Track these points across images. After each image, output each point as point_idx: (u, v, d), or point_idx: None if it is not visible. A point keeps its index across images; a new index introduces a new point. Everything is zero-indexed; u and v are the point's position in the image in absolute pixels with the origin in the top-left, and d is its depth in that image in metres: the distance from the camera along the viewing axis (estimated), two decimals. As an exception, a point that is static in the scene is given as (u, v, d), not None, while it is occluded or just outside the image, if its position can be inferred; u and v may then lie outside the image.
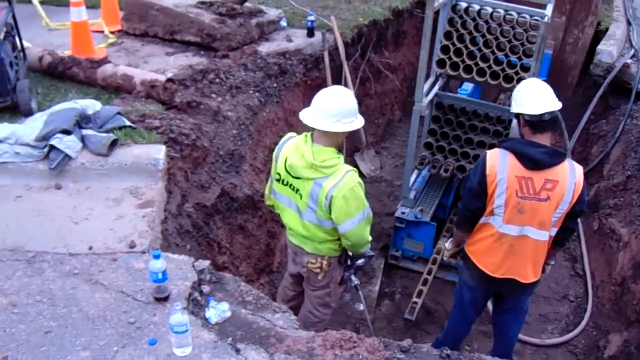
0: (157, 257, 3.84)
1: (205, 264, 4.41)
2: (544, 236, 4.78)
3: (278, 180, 4.74)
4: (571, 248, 8.06)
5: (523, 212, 4.67)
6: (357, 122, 4.51)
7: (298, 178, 4.53)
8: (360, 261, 5.12)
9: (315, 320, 5.21)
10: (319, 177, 4.43)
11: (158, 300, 4.03)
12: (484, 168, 4.69)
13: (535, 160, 4.54)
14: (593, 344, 6.55)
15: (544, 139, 4.65)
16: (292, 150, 4.57)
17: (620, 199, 7.59)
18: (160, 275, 3.90)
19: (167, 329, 3.67)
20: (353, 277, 5.19)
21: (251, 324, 3.99)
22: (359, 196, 4.49)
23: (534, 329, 6.85)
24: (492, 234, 4.87)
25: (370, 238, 4.83)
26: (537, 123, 4.59)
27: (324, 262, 4.90)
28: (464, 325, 5.75)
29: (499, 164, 4.64)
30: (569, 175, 4.60)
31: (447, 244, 5.64)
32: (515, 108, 4.75)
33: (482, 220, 4.91)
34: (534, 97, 4.64)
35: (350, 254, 5.06)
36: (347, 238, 4.67)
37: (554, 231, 4.83)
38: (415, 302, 6.94)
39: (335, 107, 4.36)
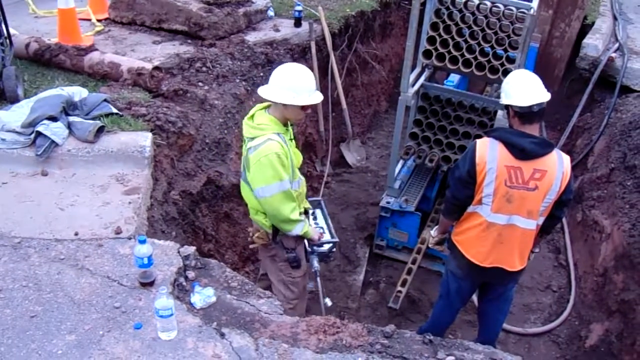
0: (142, 242, 3.86)
1: (190, 250, 4.43)
2: (531, 225, 4.83)
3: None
4: (555, 239, 8.13)
5: (511, 202, 4.71)
6: (297, 100, 4.51)
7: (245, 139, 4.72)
8: (321, 248, 5.14)
9: (281, 301, 5.18)
10: (249, 136, 4.60)
11: (143, 285, 4.04)
12: (473, 157, 4.71)
13: (525, 150, 4.58)
14: (575, 333, 6.61)
15: (533, 130, 4.69)
16: None
17: (603, 191, 7.65)
18: (145, 261, 3.92)
19: (153, 313, 3.70)
20: (315, 263, 5.16)
21: (236, 309, 4.02)
22: (274, 166, 4.49)
23: (517, 319, 6.91)
24: (480, 223, 4.89)
25: (292, 217, 4.77)
26: (526, 114, 4.63)
27: (257, 234, 4.99)
28: (449, 315, 5.79)
29: (489, 153, 4.67)
30: (557, 165, 4.65)
31: (432, 232, 5.69)
32: (504, 99, 4.78)
33: (470, 209, 4.94)
34: (523, 88, 4.68)
35: (306, 239, 5.08)
36: (262, 205, 4.72)
37: (541, 220, 4.88)
38: (400, 291, 6.98)
39: (279, 79, 4.52)
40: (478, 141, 4.78)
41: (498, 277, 5.16)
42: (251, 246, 5.18)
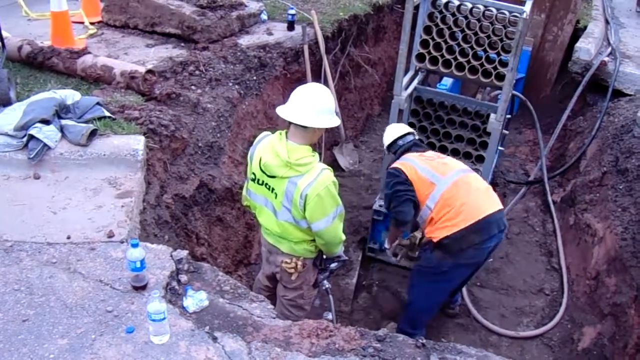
0: (135, 245, 3.85)
1: (183, 253, 4.42)
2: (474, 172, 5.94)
3: (253, 180, 4.71)
4: (547, 242, 8.15)
5: (446, 163, 5.82)
6: (334, 120, 4.48)
7: (273, 177, 4.51)
8: (333, 265, 5.12)
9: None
10: (294, 175, 4.41)
11: (136, 289, 4.03)
12: (405, 177, 5.72)
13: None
14: (567, 336, 6.63)
15: None
16: (266, 149, 4.54)
17: (596, 195, 7.67)
18: (138, 264, 3.91)
19: (145, 317, 3.70)
20: (325, 282, 5.19)
21: (228, 312, 4.01)
22: (333, 195, 4.48)
23: (510, 322, 6.93)
24: (446, 198, 5.57)
25: (344, 237, 4.84)
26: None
27: (299, 263, 4.89)
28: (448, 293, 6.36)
29: (411, 164, 5.78)
30: None
31: (386, 244, 6.64)
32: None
33: (430, 203, 5.61)
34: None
35: (324, 257, 5.06)
36: (320, 237, 4.66)
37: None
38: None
39: (314, 103, 4.34)
40: (398, 165, 5.92)
41: (500, 223, 5.70)
42: (293, 277, 5.02)
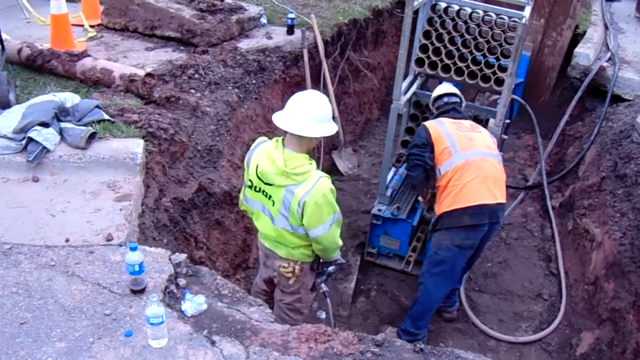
0: (133, 249, 3.84)
1: (181, 257, 4.42)
2: (497, 157, 6.03)
3: (250, 186, 4.67)
4: (546, 248, 8.15)
5: (472, 139, 5.90)
6: (331, 128, 4.45)
7: (270, 185, 4.48)
8: (331, 268, 5.09)
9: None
10: (291, 184, 4.38)
11: (134, 292, 4.03)
12: (426, 138, 5.95)
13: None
14: (566, 341, 6.63)
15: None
16: (263, 156, 4.50)
17: (594, 200, 7.67)
18: (136, 268, 3.91)
19: (143, 320, 3.69)
20: (323, 285, 5.17)
21: (227, 316, 4.01)
22: (330, 202, 4.45)
23: (509, 327, 6.92)
24: (455, 172, 5.77)
25: (341, 242, 4.82)
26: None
27: (296, 267, 4.86)
28: (453, 283, 6.48)
29: (438, 126, 6.00)
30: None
31: (420, 198, 6.80)
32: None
33: (442, 169, 5.82)
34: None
35: (321, 260, 5.02)
36: (318, 243, 4.63)
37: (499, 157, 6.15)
38: (411, 255, 7.43)
39: (311, 112, 4.30)
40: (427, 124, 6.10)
41: (494, 216, 5.84)
42: (291, 282, 4.97)
